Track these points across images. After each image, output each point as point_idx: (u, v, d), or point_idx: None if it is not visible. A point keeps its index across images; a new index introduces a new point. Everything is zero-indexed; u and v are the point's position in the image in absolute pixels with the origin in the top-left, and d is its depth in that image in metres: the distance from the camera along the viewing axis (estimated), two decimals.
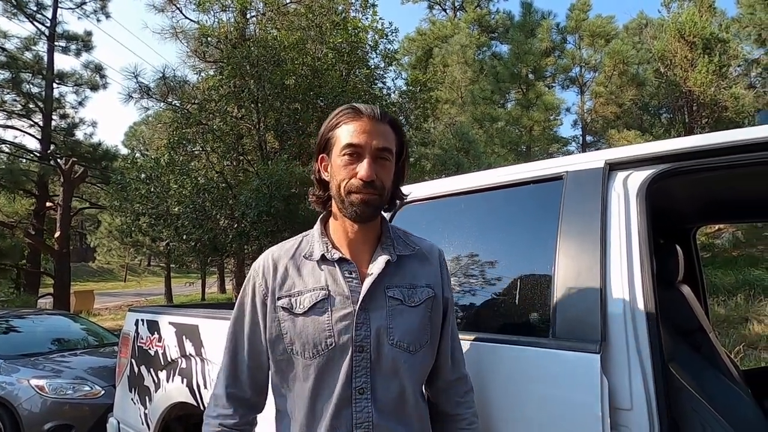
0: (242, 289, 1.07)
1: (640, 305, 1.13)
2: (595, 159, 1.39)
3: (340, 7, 9.28)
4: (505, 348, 1.22)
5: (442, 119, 14.62)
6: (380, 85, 9.46)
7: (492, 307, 1.41)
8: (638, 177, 1.29)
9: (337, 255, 0.98)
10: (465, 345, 1.25)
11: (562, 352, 1.13)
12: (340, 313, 0.94)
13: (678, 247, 1.90)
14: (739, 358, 5.48)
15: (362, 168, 0.93)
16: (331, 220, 1.03)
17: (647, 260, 1.18)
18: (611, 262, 1.20)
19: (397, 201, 1.06)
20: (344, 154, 0.94)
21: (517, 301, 1.35)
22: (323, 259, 0.99)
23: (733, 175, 1.46)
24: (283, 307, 0.97)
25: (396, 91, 9.98)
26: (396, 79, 11.44)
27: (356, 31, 8.26)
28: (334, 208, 1.01)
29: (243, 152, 8.56)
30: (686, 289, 1.88)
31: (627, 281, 1.16)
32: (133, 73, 9.43)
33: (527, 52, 13.66)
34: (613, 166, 1.35)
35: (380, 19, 9.00)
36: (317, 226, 1.04)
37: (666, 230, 2.29)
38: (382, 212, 1.05)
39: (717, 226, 11.62)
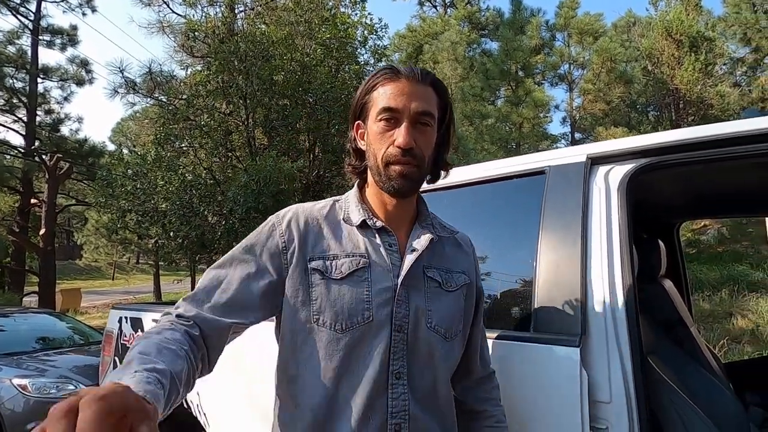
0: (254, 233, 0.92)
1: (620, 299, 1.14)
2: (578, 153, 1.39)
3: (329, 3, 9.22)
4: (488, 342, 1.21)
5: None
6: None
7: None
8: (619, 171, 1.30)
9: (379, 223, 0.89)
10: None
11: (542, 346, 1.13)
12: (380, 285, 0.84)
13: (660, 242, 1.92)
14: (723, 352, 5.56)
15: (400, 134, 0.83)
16: (368, 188, 0.94)
17: (627, 254, 1.18)
18: (592, 256, 1.20)
19: (441, 172, 0.97)
20: (381, 120, 0.85)
21: (498, 294, 1.35)
22: (363, 226, 0.89)
23: (713, 169, 1.47)
24: (316, 269, 0.85)
25: None
26: None
27: (345, 27, 8.22)
28: (370, 178, 0.92)
29: (231, 148, 8.48)
30: (668, 284, 1.89)
31: (607, 275, 1.16)
32: (119, 67, 9.30)
33: (517, 49, 13.71)
34: (595, 161, 1.35)
35: (369, 14, 8.97)
36: (354, 191, 0.96)
37: (649, 225, 2.30)
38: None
39: (702, 223, 11.78)
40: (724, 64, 14.75)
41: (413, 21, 21.94)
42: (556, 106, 17.07)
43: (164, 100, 9.44)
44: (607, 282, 1.16)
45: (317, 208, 0.93)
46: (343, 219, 0.91)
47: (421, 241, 0.89)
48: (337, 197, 0.97)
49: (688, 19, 12.35)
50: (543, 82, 16.64)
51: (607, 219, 1.24)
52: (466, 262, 0.99)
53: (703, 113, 12.36)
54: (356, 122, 0.93)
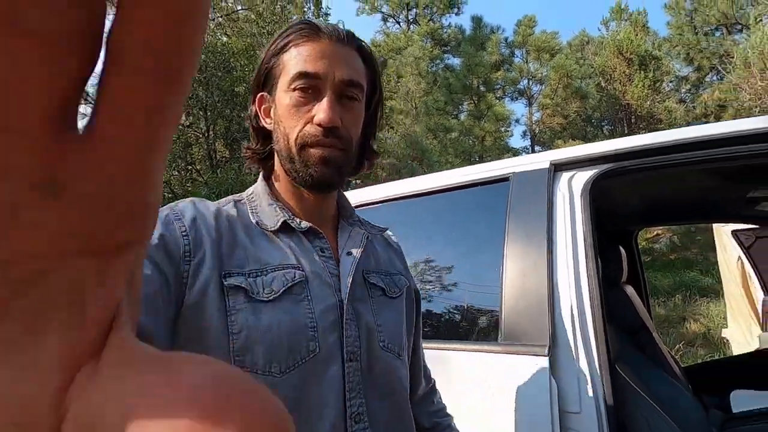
0: None
1: (587, 306, 1.12)
2: (541, 160, 1.38)
3: (293, 16, 9.18)
4: (454, 354, 1.17)
5: (397, 129, 14.75)
6: None
7: (440, 313, 1.36)
8: (582, 177, 1.30)
9: (305, 224, 0.69)
10: None
11: (511, 357, 1.10)
12: (323, 304, 0.64)
13: (621, 249, 1.95)
14: (678, 356, 5.77)
15: (321, 108, 0.64)
16: (277, 181, 0.74)
17: (593, 260, 1.17)
18: (558, 263, 1.18)
19: (366, 162, 0.78)
20: (294, 89, 0.65)
21: (465, 305, 1.31)
22: (285, 229, 0.68)
23: (668, 174, 1.49)
24: (238, 288, 0.60)
25: None
26: None
27: None
28: (279, 167, 0.72)
29: (191, 161, 8.22)
30: (630, 290, 1.92)
31: (573, 281, 1.15)
32: None
33: (478, 64, 14.08)
34: (558, 167, 1.35)
35: None
36: (261, 185, 0.73)
37: (609, 232, 2.35)
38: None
39: (655, 232, 12.31)
40: (671, 82, 15.65)
41: (377, 36, 22.22)
42: (517, 120, 17.60)
43: None
44: (574, 289, 1.14)
45: (220, 207, 0.69)
46: (257, 222, 0.67)
47: (356, 242, 0.73)
48: (237, 195, 0.73)
49: (637, 38, 13.08)
50: (504, 96, 17.13)
51: (571, 225, 1.23)
52: (399, 261, 0.84)
53: (653, 127, 13.05)
54: (259, 94, 0.72)
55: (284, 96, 0.66)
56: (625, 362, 1.52)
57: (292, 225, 0.68)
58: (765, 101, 10.37)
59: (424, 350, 1.12)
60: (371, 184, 1.83)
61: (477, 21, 15.56)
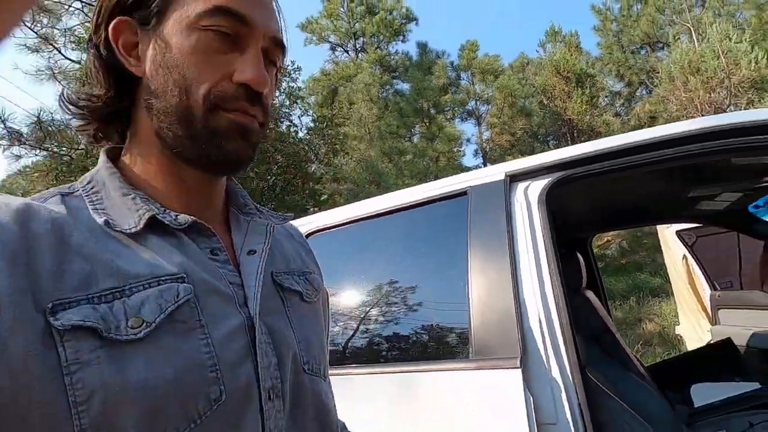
0: None
1: (554, 314, 1.12)
2: (496, 172, 1.40)
3: None
4: (425, 376, 1.13)
5: (352, 155, 14.84)
6: (287, 123, 9.37)
7: (408, 335, 1.33)
8: (537, 186, 1.32)
9: (184, 218, 0.48)
10: (381, 379, 1.15)
11: (484, 372, 1.07)
12: (224, 327, 0.45)
13: (579, 255, 1.99)
14: (639, 356, 5.95)
15: (249, 64, 0.48)
16: (134, 157, 0.52)
17: (555, 267, 1.18)
18: (522, 273, 1.18)
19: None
20: (208, 29, 0.48)
21: (434, 323, 1.28)
22: (154, 229, 0.47)
23: (616, 179, 1.55)
24: (79, 326, 0.37)
25: (303, 128, 9.95)
26: (302, 116, 11.49)
27: None
28: (147, 136, 0.51)
29: None
30: (591, 295, 1.96)
31: (539, 290, 1.15)
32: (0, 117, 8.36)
33: (426, 88, 14.51)
34: (513, 178, 1.36)
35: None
36: (105, 167, 0.51)
37: (566, 240, 2.41)
38: None
39: (606, 238, 12.87)
40: (606, 97, 16.72)
41: (326, 65, 22.51)
42: (468, 140, 18.15)
43: (57, 150, 8.62)
44: (540, 297, 1.14)
45: (32, 205, 0.42)
46: (106, 222, 0.45)
47: (258, 236, 0.55)
48: (65, 187, 0.49)
49: (572, 58, 13.95)
50: (454, 118, 17.67)
51: (531, 234, 1.24)
52: (309, 257, 0.67)
53: (593, 140, 13.81)
54: (119, 19, 0.50)
55: (186, 34, 0.48)
56: (594, 367, 1.53)
57: (165, 221, 0.47)
58: (690, 111, 11.25)
59: (395, 375, 1.07)
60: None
61: (422, 47, 16.11)
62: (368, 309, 1.35)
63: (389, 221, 1.48)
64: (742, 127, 1.13)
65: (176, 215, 0.48)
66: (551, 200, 1.29)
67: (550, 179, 1.31)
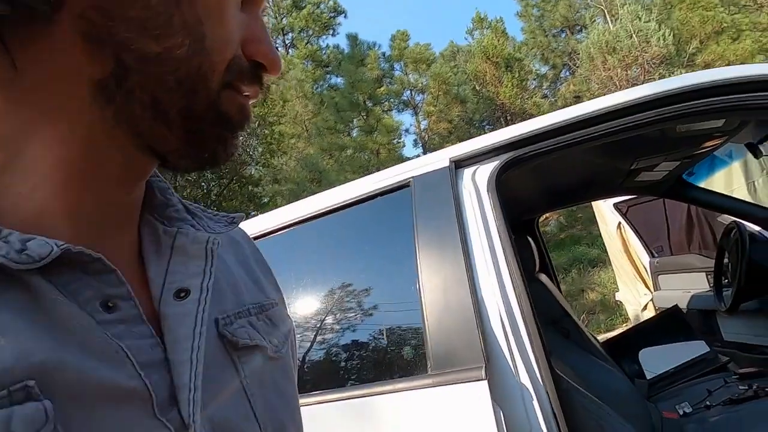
0: None
1: (516, 309, 1.00)
2: (440, 159, 1.27)
3: None
4: (381, 400, 0.98)
5: (291, 154, 14.41)
6: None
7: (358, 353, 1.17)
8: (485, 170, 1.20)
9: (43, 245, 0.25)
10: (332, 408, 0.98)
11: (445, 388, 0.93)
12: None
13: (530, 238, 1.92)
14: (585, 325, 6.18)
15: (265, 39, 0.34)
16: None
17: (512, 256, 1.06)
18: (477, 268, 1.06)
19: None
20: None
21: (386, 337, 1.13)
22: None
23: (566, 155, 1.47)
24: None
25: None
26: None
27: None
28: (69, 96, 0.28)
29: None
30: (545, 278, 1.90)
31: (497, 284, 1.03)
32: None
33: (360, 80, 14.33)
34: (459, 164, 1.24)
35: None
36: None
37: (513, 223, 2.34)
38: None
39: (545, 216, 13.40)
40: (534, 80, 17.35)
41: None
42: (406, 130, 18.21)
43: None
44: (499, 291, 1.02)
45: None
46: None
47: (193, 260, 0.34)
48: None
49: (500, 44, 14.29)
50: (391, 109, 17.64)
51: (483, 223, 1.11)
52: (263, 272, 0.46)
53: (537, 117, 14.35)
54: None
55: None
56: (559, 357, 1.45)
57: (18, 258, 0.24)
58: (610, 88, 11.88)
59: (348, 401, 0.91)
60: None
61: (353, 39, 15.89)
62: (310, 326, 1.17)
63: (328, 222, 1.31)
64: (690, 91, 1.07)
65: (24, 240, 0.25)
66: (501, 184, 1.18)
67: (498, 162, 1.19)
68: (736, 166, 4.62)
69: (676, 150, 1.61)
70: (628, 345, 2.39)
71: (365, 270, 1.24)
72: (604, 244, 5.23)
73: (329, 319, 1.16)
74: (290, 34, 22.31)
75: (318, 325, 1.16)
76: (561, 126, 1.15)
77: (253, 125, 8.95)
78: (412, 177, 1.25)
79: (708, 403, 1.54)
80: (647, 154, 1.60)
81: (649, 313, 4.08)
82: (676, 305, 2.27)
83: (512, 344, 0.96)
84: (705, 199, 2.14)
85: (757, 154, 1.58)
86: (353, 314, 1.18)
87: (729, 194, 2.91)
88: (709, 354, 2.01)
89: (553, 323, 1.70)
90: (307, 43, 20.93)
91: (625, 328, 3.65)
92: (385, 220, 1.27)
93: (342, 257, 1.28)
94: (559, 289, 2.50)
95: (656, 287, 3.49)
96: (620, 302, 5.51)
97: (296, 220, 1.34)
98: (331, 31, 20.12)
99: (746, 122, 1.44)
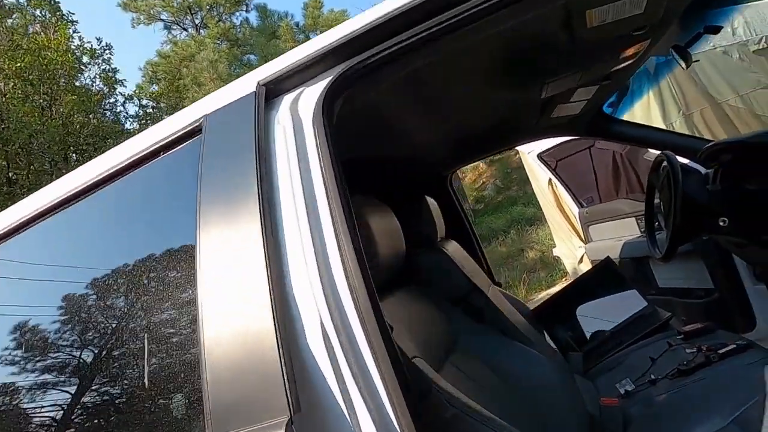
0: None
1: (354, 320, 0.58)
2: (243, 85, 0.82)
3: (29, 29, 7.27)
4: None
5: None
6: (112, 111, 7.86)
7: (90, 412, 0.70)
8: (314, 92, 0.76)
9: None
10: None
11: None
12: None
13: (430, 199, 1.53)
14: (525, 286, 6.09)
15: None
16: None
17: (349, 231, 0.64)
18: (287, 254, 0.63)
19: None
20: None
21: (139, 384, 0.67)
22: None
23: (446, 70, 1.05)
24: None
25: (139, 116, 8.46)
26: (131, 101, 9.82)
27: (44, 52, 6.41)
28: None
29: None
30: (453, 247, 1.52)
31: (320, 282, 0.60)
32: None
33: (273, 54, 13.45)
34: (273, 89, 0.80)
35: (80, 36, 7.30)
36: None
37: (415, 182, 1.94)
38: None
39: (481, 181, 13.41)
40: None
41: (164, 47, 20.06)
42: None
43: None
44: (323, 295, 0.59)
45: None
46: None
47: None
48: None
49: None
50: None
51: (305, 182, 0.68)
52: None
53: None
54: None
55: None
56: (462, 351, 1.08)
57: None
58: None
59: None
60: None
61: (263, 11, 14.88)
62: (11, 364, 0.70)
63: (83, 209, 0.83)
64: None
65: None
66: (334, 114, 0.75)
67: (331, 77, 0.76)
68: (654, 110, 4.55)
69: (591, 64, 1.26)
70: (563, 305, 2.11)
71: (140, 264, 0.77)
72: (538, 202, 5.10)
73: (61, 364, 0.69)
74: (199, 13, 20.76)
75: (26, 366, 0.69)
76: (417, 4, 0.72)
77: (161, 112, 8.00)
78: (205, 116, 0.79)
79: (653, 376, 1.24)
80: (557, 72, 1.23)
81: (585, 266, 3.95)
82: (608, 257, 1.99)
83: (346, 381, 0.55)
84: (630, 133, 1.85)
85: (687, 60, 1.27)
86: (114, 349, 0.71)
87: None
88: (648, 309, 1.74)
89: (460, 301, 1.33)
90: (218, 21, 19.53)
91: (564, 284, 3.49)
92: (166, 185, 0.81)
93: (89, 254, 0.81)
94: (482, 255, 2.16)
95: (588, 239, 3.29)
96: (558, 258, 5.43)
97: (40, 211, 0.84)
98: (244, 7, 18.82)
99: (670, 15, 1.10)
